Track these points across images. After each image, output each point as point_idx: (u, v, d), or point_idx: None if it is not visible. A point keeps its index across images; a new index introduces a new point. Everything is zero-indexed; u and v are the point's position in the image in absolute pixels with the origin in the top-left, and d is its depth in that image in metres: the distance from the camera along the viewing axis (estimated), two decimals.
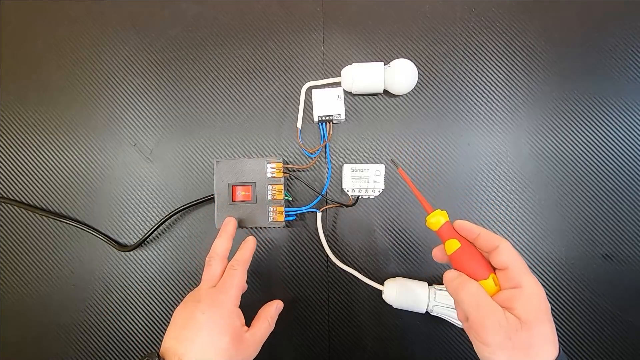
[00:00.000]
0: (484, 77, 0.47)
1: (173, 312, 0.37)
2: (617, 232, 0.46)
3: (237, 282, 0.37)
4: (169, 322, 0.48)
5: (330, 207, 0.47)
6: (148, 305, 0.49)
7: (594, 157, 0.46)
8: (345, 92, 0.47)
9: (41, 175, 0.49)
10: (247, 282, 0.48)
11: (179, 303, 0.37)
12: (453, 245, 0.32)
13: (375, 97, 0.48)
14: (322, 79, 0.47)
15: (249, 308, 0.48)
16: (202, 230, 0.48)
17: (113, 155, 0.49)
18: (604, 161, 0.46)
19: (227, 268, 0.39)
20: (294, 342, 0.47)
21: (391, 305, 0.44)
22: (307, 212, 0.47)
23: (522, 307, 0.29)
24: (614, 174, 0.46)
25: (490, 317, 0.29)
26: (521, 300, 0.29)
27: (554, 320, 0.47)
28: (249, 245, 0.41)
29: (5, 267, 0.49)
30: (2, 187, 0.50)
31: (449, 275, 0.32)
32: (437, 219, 0.33)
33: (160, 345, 0.36)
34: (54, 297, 0.49)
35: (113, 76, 0.50)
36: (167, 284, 0.48)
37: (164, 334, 0.48)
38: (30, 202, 0.49)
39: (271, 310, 0.40)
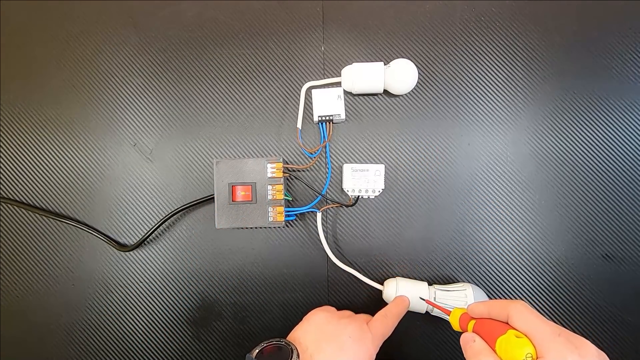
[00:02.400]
0: (484, 77, 0.47)
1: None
2: (617, 232, 0.46)
3: (386, 332, 0.38)
4: (169, 322, 0.48)
5: (330, 207, 0.47)
6: (148, 305, 0.49)
7: (594, 157, 0.46)
8: (345, 92, 0.47)
9: (41, 175, 0.49)
10: (247, 282, 0.48)
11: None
12: (471, 325, 0.34)
13: (375, 97, 0.48)
14: (322, 79, 0.47)
15: (247, 309, 0.48)
16: (202, 230, 0.48)
17: (113, 155, 0.49)
18: (604, 161, 0.46)
19: (381, 314, 0.40)
20: None
21: None
22: (307, 212, 0.47)
23: None
24: (614, 174, 0.46)
25: None
26: None
27: (554, 322, 0.47)
28: (405, 303, 0.41)
29: (5, 267, 0.49)
30: (2, 187, 0.50)
31: (463, 338, 0.32)
32: (454, 319, 0.36)
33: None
34: (54, 297, 0.49)
35: (113, 76, 0.50)
36: (167, 284, 0.48)
37: (164, 333, 0.48)
38: (30, 202, 0.49)
39: (392, 310, 0.40)
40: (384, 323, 0.39)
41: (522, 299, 0.46)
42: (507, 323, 0.30)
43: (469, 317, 0.34)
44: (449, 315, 0.37)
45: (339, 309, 0.46)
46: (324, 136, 0.46)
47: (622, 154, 0.46)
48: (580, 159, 0.46)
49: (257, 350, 0.35)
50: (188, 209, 0.47)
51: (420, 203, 0.47)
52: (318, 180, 0.48)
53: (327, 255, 0.45)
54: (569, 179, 0.46)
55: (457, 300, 0.42)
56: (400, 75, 0.44)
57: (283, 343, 0.35)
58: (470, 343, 0.31)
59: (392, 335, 0.40)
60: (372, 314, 0.47)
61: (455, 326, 0.36)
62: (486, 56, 0.47)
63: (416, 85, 0.46)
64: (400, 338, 0.47)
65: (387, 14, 0.48)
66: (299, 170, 0.47)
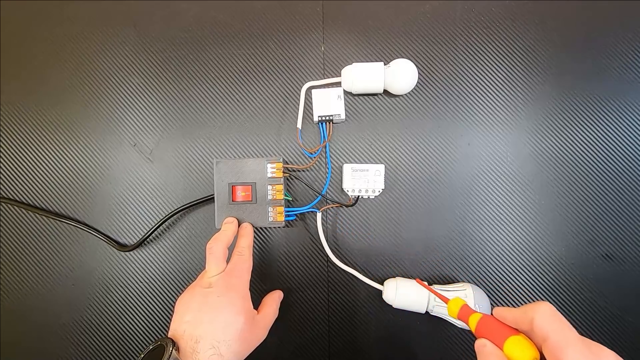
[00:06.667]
0: (484, 77, 0.47)
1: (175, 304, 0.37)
2: (617, 232, 0.46)
3: (247, 266, 0.39)
4: (168, 322, 0.48)
5: (330, 207, 0.47)
6: (148, 305, 0.49)
7: (593, 157, 0.46)
8: (345, 92, 0.47)
9: (41, 175, 0.49)
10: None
11: (174, 306, 0.37)
12: (474, 319, 0.33)
13: (375, 97, 0.48)
14: (322, 79, 0.47)
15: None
16: (202, 230, 0.48)
17: (113, 155, 0.49)
18: (603, 161, 0.46)
19: (234, 254, 0.40)
20: (293, 342, 0.47)
21: (391, 305, 0.44)
22: (307, 212, 0.47)
23: None
24: (614, 174, 0.46)
25: None
26: None
27: None
28: (249, 231, 0.43)
29: (5, 267, 0.49)
30: (2, 187, 0.50)
31: (478, 344, 0.31)
32: (454, 306, 0.35)
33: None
34: (54, 297, 0.49)
35: (113, 76, 0.50)
36: (167, 284, 0.48)
37: (164, 333, 0.48)
38: (30, 202, 0.49)
39: (275, 297, 0.43)
40: (242, 260, 0.40)
41: (522, 299, 0.46)
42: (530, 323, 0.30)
43: (471, 311, 0.34)
44: (446, 304, 0.37)
45: (338, 309, 0.46)
46: (324, 136, 0.46)
47: (622, 154, 0.46)
48: (580, 159, 0.46)
49: None
50: (188, 209, 0.47)
51: (420, 203, 0.47)
52: (318, 180, 0.48)
53: (327, 255, 0.45)
54: (569, 179, 0.46)
55: None
56: (400, 75, 0.44)
57: (158, 343, 0.34)
58: (482, 347, 0.31)
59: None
60: (372, 314, 0.47)
61: (453, 313, 0.36)
62: (486, 56, 0.47)
63: (416, 85, 0.46)
64: (400, 338, 0.47)
65: (387, 14, 0.48)
66: (299, 170, 0.47)
